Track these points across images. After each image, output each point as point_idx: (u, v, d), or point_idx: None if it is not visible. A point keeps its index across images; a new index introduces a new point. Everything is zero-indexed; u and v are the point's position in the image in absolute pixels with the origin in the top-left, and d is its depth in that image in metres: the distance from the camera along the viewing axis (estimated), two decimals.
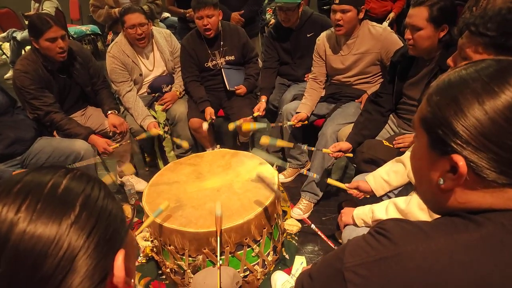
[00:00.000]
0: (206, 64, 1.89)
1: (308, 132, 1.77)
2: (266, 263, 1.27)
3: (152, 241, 1.29)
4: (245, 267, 1.21)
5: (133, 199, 1.74)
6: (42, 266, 0.30)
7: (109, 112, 1.75)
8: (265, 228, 1.19)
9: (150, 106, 1.91)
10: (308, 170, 1.64)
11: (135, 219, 1.58)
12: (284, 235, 1.44)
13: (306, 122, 1.67)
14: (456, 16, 1.18)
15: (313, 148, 1.50)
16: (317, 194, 1.63)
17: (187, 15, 2.41)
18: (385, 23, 2.65)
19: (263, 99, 1.91)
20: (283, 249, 1.39)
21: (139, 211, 1.44)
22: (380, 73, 1.65)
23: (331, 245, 1.18)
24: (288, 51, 1.94)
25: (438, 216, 0.46)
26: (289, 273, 1.30)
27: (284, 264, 1.35)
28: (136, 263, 1.37)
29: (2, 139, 1.43)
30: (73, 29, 4.12)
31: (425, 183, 0.45)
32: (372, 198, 1.15)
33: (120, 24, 1.79)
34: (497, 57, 0.43)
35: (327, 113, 1.73)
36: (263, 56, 2.24)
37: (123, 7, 2.02)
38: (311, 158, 1.68)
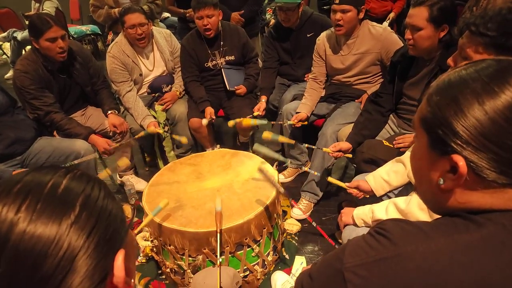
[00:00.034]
0: (206, 64, 1.89)
1: (308, 132, 1.77)
2: (266, 263, 1.27)
3: (152, 241, 1.29)
4: (245, 267, 1.21)
5: (133, 199, 1.74)
6: (42, 266, 0.30)
7: (109, 112, 1.75)
8: (265, 228, 1.19)
9: (150, 106, 1.91)
10: (309, 168, 1.64)
11: (135, 219, 1.58)
12: (284, 235, 1.45)
13: (306, 122, 1.67)
14: (456, 16, 1.18)
15: (313, 146, 1.50)
16: (317, 194, 1.63)
17: (187, 15, 2.41)
18: (385, 23, 2.65)
19: (263, 99, 1.91)
20: (283, 249, 1.39)
21: (139, 211, 1.44)
22: (380, 73, 1.65)
23: (332, 243, 1.18)
24: (288, 51, 1.94)
25: (438, 216, 0.46)
26: (289, 273, 1.30)
27: (284, 264, 1.35)
28: (136, 263, 1.37)
29: (2, 139, 1.43)
30: (73, 29, 4.13)
31: (425, 183, 0.45)
32: (372, 198, 1.15)
33: (120, 24, 1.79)
34: (497, 57, 0.43)
35: (327, 113, 1.73)
36: (263, 56, 2.24)
37: (123, 7, 2.03)
38: (311, 158, 1.68)
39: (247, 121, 1.59)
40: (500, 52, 0.75)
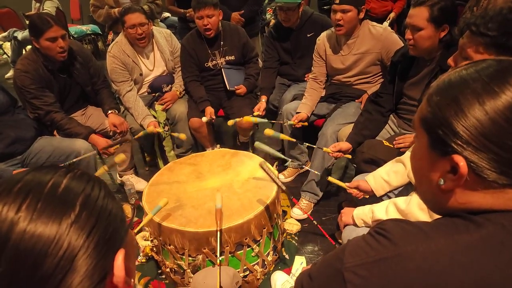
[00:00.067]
0: (206, 64, 1.89)
1: (308, 132, 1.77)
2: (266, 263, 1.27)
3: (152, 241, 1.29)
4: (245, 267, 1.21)
5: (133, 198, 1.74)
6: (42, 265, 0.30)
7: (110, 111, 1.75)
8: (265, 228, 1.19)
9: (150, 105, 1.91)
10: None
11: (135, 219, 1.58)
12: (284, 235, 1.45)
13: (306, 123, 1.67)
14: (457, 16, 1.18)
15: (314, 146, 1.50)
16: (317, 194, 1.63)
17: (187, 15, 2.41)
18: (386, 23, 2.65)
19: (263, 99, 1.91)
20: (283, 249, 1.39)
21: (139, 211, 1.44)
22: (381, 73, 1.65)
23: (332, 242, 1.18)
24: (288, 51, 1.94)
25: (438, 216, 0.46)
26: (289, 273, 1.30)
27: (284, 264, 1.35)
28: (136, 263, 1.37)
29: (2, 139, 1.43)
30: (73, 28, 4.13)
31: (425, 183, 0.45)
32: (372, 198, 1.15)
33: (120, 24, 1.79)
34: (498, 57, 0.43)
35: (327, 113, 1.73)
36: (263, 56, 2.24)
37: (123, 7, 2.03)
38: (311, 158, 1.68)
39: (248, 118, 1.59)
40: (501, 52, 0.75)
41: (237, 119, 1.65)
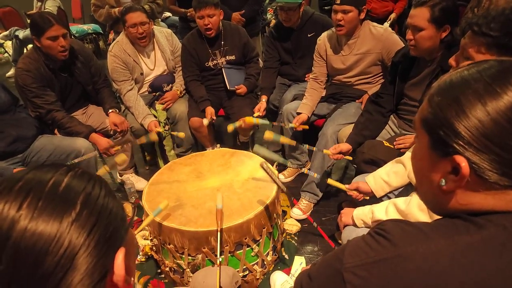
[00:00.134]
0: (207, 64, 1.89)
1: (308, 132, 1.77)
2: (265, 263, 1.27)
3: (151, 240, 1.29)
4: (245, 267, 1.21)
5: (133, 197, 1.74)
6: (43, 263, 0.30)
7: (110, 110, 1.76)
8: (264, 228, 1.19)
9: (150, 105, 1.91)
10: (309, 169, 1.64)
11: (135, 218, 1.58)
12: (284, 235, 1.45)
13: (307, 126, 1.67)
14: (458, 17, 1.17)
15: (314, 148, 1.50)
16: (317, 194, 1.63)
17: (188, 14, 2.41)
18: (386, 24, 2.65)
19: (264, 99, 1.91)
20: (283, 249, 1.39)
21: (139, 210, 1.44)
22: (381, 74, 1.65)
23: (332, 245, 1.18)
24: (289, 51, 1.93)
25: (438, 217, 0.46)
26: (288, 273, 1.30)
27: (284, 264, 1.35)
28: (135, 262, 1.38)
29: (4, 137, 1.43)
30: (75, 28, 4.13)
31: (426, 184, 0.45)
32: (372, 199, 1.15)
33: (121, 23, 1.79)
34: (500, 57, 0.43)
35: (327, 113, 1.72)
36: (263, 56, 2.24)
37: (124, 6, 2.03)
38: (311, 158, 1.68)
39: (250, 119, 1.59)
40: (503, 52, 0.75)
41: (237, 124, 1.63)
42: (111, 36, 2.86)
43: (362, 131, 1.43)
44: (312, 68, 1.77)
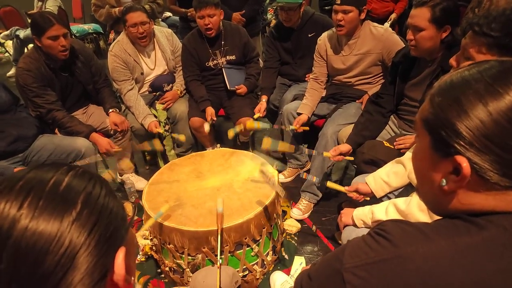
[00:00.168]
0: (207, 64, 1.89)
1: (308, 133, 1.77)
2: (265, 263, 1.27)
3: (151, 240, 1.29)
4: (244, 267, 1.21)
5: (133, 197, 1.74)
6: (43, 262, 0.30)
7: (111, 110, 1.76)
8: (264, 228, 1.19)
9: (151, 105, 1.91)
10: (308, 171, 1.64)
11: (135, 218, 1.58)
12: (284, 235, 1.44)
13: (308, 128, 1.67)
14: (459, 17, 1.17)
15: (313, 152, 1.49)
16: (317, 195, 1.62)
17: (189, 14, 2.41)
18: (387, 24, 2.65)
19: (264, 99, 1.91)
20: (283, 249, 1.39)
21: (139, 210, 1.44)
22: (381, 74, 1.65)
23: (331, 247, 1.18)
24: (289, 51, 1.94)
25: (438, 217, 0.46)
26: (288, 273, 1.30)
27: (283, 264, 1.35)
28: (136, 261, 1.38)
29: (4, 137, 1.44)
30: (75, 27, 4.13)
31: (427, 184, 0.45)
32: (372, 199, 1.15)
33: (121, 23, 1.79)
34: (501, 58, 0.43)
35: (327, 113, 1.72)
36: (264, 56, 2.24)
37: (125, 6, 2.03)
38: (311, 158, 1.68)
39: (251, 124, 1.58)
40: (504, 52, 0.75)
41: (237, 130, 1.63)
42: (111, 36, 2.86)
43: (362, 132, 1.42)
44: (312, 68, 1.77)
